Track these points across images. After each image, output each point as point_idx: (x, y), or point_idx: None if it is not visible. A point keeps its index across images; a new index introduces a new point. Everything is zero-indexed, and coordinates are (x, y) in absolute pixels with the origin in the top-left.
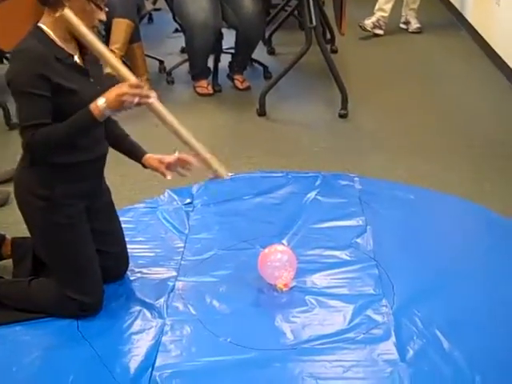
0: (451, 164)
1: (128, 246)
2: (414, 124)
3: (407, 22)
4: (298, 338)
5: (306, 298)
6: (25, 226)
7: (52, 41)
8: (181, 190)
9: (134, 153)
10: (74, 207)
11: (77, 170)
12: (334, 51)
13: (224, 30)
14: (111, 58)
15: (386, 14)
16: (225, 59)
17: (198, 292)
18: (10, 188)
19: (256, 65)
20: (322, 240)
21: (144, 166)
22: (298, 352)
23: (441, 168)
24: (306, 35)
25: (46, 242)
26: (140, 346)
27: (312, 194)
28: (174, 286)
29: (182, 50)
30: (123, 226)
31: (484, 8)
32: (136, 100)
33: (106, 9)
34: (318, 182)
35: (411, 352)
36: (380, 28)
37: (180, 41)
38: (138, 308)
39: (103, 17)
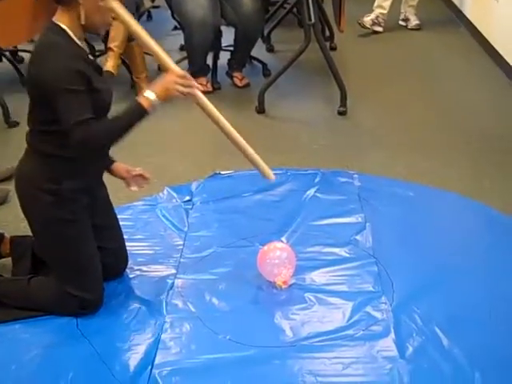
0: (450, 160)
1: (127, 243)
2: (413, 121)
3: (406, 19)
4: (298, 335)
5: (306, 295)
6: (24, 225)
7: (72, 39)
8: (180, 188)
9: None
10: (79, 202)
11: (85, 164)
12: (333, 48)
13: (223, 28)
14: (157, 48)
15: (384, 11)
16: (224, 57)
17: (197, 289)
18: (8, 186)
19: (255, 62)
20: (321, 237)
21: (111, 173)
22: (298, 349)
23: (440, 165)
24: (304, 32)
25: (49, 238)
26: (139, 344)
27: (311, 191)
28: (173, 283)
29: (181, 48)
30: (122, 223)
31: (483, 4)
32: (185, 90)
33: None
34: (317, 179)
35: (410, 349)
36: (379, 25)
37: (179, 38)
38: (137, 306)
39: None
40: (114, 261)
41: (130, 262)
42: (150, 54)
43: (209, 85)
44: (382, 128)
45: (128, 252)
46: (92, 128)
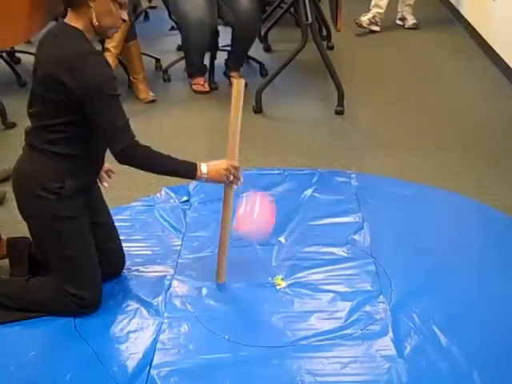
0: (448, 160)
1: (125, 244)
2: (410, 120)
3: (403, 19)
4: (296, 334)
5: (304, 294)
6: (21, 226)
7: (90, 43)
8: (178, 188)
9: None
10: (77, 201)
11: (88, 162)
12: (330, 48)
13: (220, 28)
14: (237, 135)
15: (381, 11)
16: (221, 56)
17: (195, 290)
18: (5, 188)
19: (252, 62)
20: (319, 237)
21: None
22: (296, 349)
23: (437, 164)
24: (302, 32)
25: (48, 236)
26: (137, 345)
27: (309, 191)
28: (171, 283)
29: (179, 48)
30: (120, 224)
31: (480, 4)
32: (231, 179)
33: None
34: (314, 179)
35: (409, 348)
36: (376, 24)
37: (176, 38)
38: (135, 306)
39: (126, 16)
40: (111, 260)
41: (127, 263)
42: (147, 55)
43: (206, 85)
44: (380, 127)
45: (126, 252)
46: (142, 148)
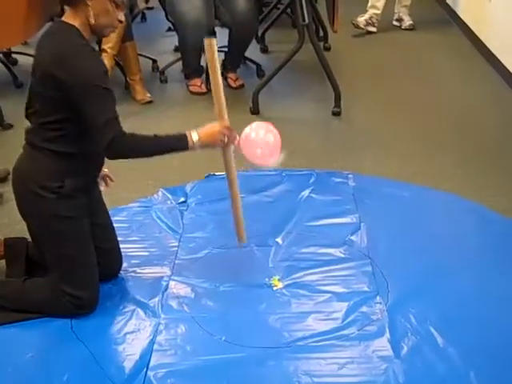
0: (445, 160)
1: (122, 245)
2: (407, 121)
3: (400, 19)
4: (293, 335)
5: (301, 295)
6: (19, 227)
7: (86, 40)
8: (175, 189)
9: None
10: (77, 201)
11: (87, 161)
12: (327, 49)
13: (217, 29)
14: (222, 94)
15: (378, 12)
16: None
17: (192, 291)
18: (2, 189)
19: (249, 63)
20: (316, 238)
21: None
22: (293, 350)
23: (435, 165)
24: (298, 33)
25: (47, 235)
26: (134, 346)
27: (306, 192)
28: (168, 285)
29: (175, 49)
30: (117, 225)
31: (476, 4)
32: (226, 140)
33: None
34: (311, 180)
35: (405, 348)
36: (373, 25)
37: (173, 39)
38: (132, 307)
39: (122, 17)
40: (108, 261)
41: (124, 264)
42: (144, 56)
43: (203, 86)
44: (377, 128)
45: (123, 254)
46: (128, 136)
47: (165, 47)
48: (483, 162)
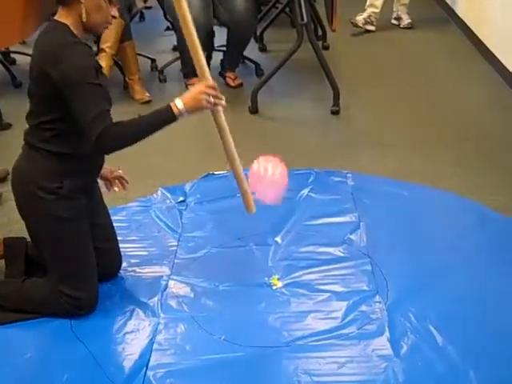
0: (444, 159)
1: (121, 244)
2: (406, 120)
3: (398, 18)
4: (293, 335)
5: (300, 294)
6: (18, 227)
7: (78, 37)
8: (174, 188)
9: None
10: (77, 201)
11: (84, 162)
12: (326, 48)
13: (216, 28)
14: (200, 52)
15: (377, 10)
16: (216, 57)
17: (191, 290)
18: (1, 189)
19: (248, 62)
20: (315, 237)
21: None
22: (293, 349)
23: (434, 163)
24: (297, 32)
25: (46, 236)
26: (134, 345)
27: (305, 191)
28: (167, 284)
29: (174, 48)
30: (117, 225)
31: (475, 3)
32: (212, 100)
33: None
34: (310, 179)
35: (405, 347)
36: (371, 24)
37: (172, 39)
38: (131, 307)
39: (116, 13)
40: (108, 261)
41: (124, 264)
42: (142, 55)
43: None
44: (376, 127)
45: (122, 253)
46: (114, 124)
47: (163, 46)
48: (482, 160)
